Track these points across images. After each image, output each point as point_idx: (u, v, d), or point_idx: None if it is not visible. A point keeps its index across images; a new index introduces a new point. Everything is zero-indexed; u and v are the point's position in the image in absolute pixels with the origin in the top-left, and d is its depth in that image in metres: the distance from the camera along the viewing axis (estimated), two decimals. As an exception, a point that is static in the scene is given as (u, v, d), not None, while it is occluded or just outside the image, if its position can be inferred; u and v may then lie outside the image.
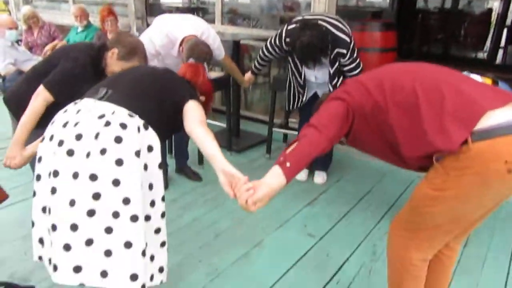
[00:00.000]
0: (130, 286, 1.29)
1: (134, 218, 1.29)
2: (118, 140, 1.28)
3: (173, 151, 3.30)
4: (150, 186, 1.39)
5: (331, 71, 2.74)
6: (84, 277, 1.27)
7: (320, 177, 3.19)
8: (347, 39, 2.58)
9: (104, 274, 1.28)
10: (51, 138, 1.34)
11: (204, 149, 1.41)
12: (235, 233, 2.51)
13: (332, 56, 2.66)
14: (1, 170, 3.14)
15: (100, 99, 1.38)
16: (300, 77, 2.88)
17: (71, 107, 1.41)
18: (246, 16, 6.29)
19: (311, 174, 3.24)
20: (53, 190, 1.27)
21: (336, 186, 3.16)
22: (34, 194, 1.39)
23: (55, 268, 1.27)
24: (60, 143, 1.29)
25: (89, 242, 1.25)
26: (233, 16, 5.55)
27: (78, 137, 1.28)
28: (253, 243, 2.41)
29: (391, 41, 4.19)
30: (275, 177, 1.31)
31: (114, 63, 1.92)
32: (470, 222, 1.42)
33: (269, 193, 1.29)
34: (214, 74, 3.50)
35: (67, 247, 1.25)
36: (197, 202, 2.88)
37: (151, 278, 1.41)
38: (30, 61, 3.65)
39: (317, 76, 2.84)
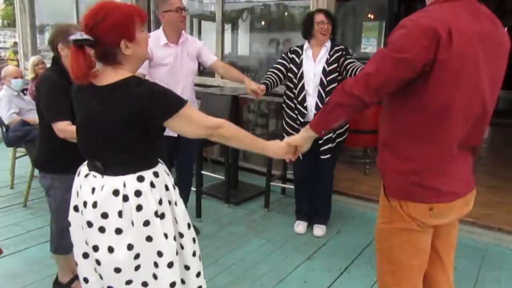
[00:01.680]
0: None
1: (170, 265, 1.49)
2: (139, 208, 1.44)
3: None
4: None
5: (327, 67, 2.88)
6: None
7: (319, 230, 3.15)
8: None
9: None
10: (76, 208, 1.54)
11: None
12: (233, 290, 2.45)
13: (333, 51, 2.91)
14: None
15: (104, 173, 1.45)
16: (296, 77, 2.92)
17: (83, 182, 1.49)
18: (246, 69, 6.51)
19: (310, 226, 3.21)
20: (98, 262, 1.47)
21: (336, 239, 3.12)
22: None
23: None
24: (89, 224, 1.44)
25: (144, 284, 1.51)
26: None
27: (104, 215, 1.43)
28: (251, 300, 2.35)
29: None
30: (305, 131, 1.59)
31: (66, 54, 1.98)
32: (433, 251, 1.49)
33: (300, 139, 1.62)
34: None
35: None
36: (194, 256, 2.82)
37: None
38: (34, 111, 3.72)
39: (315, 73, 2.89)
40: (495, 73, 1.32)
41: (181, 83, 2.73)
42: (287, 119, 3.06)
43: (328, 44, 2.94)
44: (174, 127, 1.44)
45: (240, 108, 4.36)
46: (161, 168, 1.56)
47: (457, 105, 1.27)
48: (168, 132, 2.72)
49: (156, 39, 2.65)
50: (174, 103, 1.40)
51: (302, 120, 2.94)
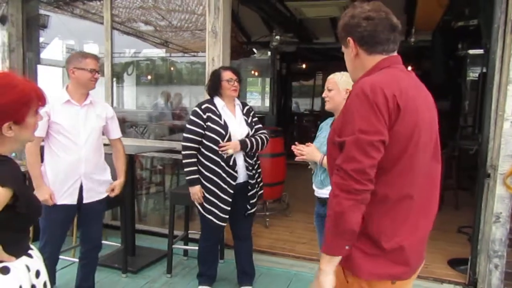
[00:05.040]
0: None
1: None
2: None
3: (75, 286, 2.78)
4: None
5: (250, 129, 2.85)
6: None
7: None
8: None
9: None
10: None
11: None
12: None
13: (245, 110, 2.91)
14: None
15: None
16: (224, 139, 2.71)
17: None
18: (133, 124, 6.25)
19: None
20: None
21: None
22: None
23: None
24: None
25: None
26: (121, 125, 5.43)
27: None
28: None
29: (279, 147, 4.49)
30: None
31: None
32: None
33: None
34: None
35: None
36: None
37: None
38: None
39: (242, 134, 2.80)
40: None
41: (85, 147, 2.51)
42: (211, 186, 2.76)
43: (238, 101, 2.91)
44: None
45: (133, 166, 4.11)
46: (21, 262, 1.33)
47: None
48: (64, 200, 2.45)
49: (57, 97, 2.48)
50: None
51: (234, 183, 2.76)
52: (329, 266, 1.31)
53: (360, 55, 1.38)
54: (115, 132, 2.78)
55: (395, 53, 1.40)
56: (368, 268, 1.33)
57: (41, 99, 1.34)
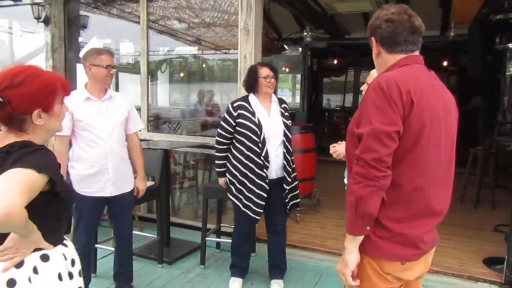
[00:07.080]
0: None
1: None
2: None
3: (114, 272, 2.91)
4: None
5: (288, 124, 2.92)
6: None
7: (277, 286, 3.06)
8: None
9: None
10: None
11: None
12: None
13: (282, 106, 2.95)
14: None
15: None
16: (259, 137, 2.75)
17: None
18: (167, 120, 6.42)
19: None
20: None
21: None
22: None
23: None
24: None
25: None
26: (155, 121, 5.60)
27: None
28: None
29: (311, 143, 4.51)
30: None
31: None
32: None
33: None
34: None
35: None
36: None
37: None
38: None
39: (277, 131, 2.84)
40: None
41: (110, 140, 2.59)
42: (245, 181, 2.81)
43: (274, 98, 2.93)
44: None
45: (168, 161, 4.24)
46: (58, 251, 1.39)
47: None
48: (96, 193, 2.56)
49: (75, 96, 2.50)
50: (26, 161, 1.21)
51: (267, 179, 2.81)
52: (352, 245, 1.42)
53: (382, 53, 1.52)
54: (135, 125, 2.82)
55: (416, 53, 1.50)
56: (377, 249, 1.42)
57: (65, 88, 1.40)
